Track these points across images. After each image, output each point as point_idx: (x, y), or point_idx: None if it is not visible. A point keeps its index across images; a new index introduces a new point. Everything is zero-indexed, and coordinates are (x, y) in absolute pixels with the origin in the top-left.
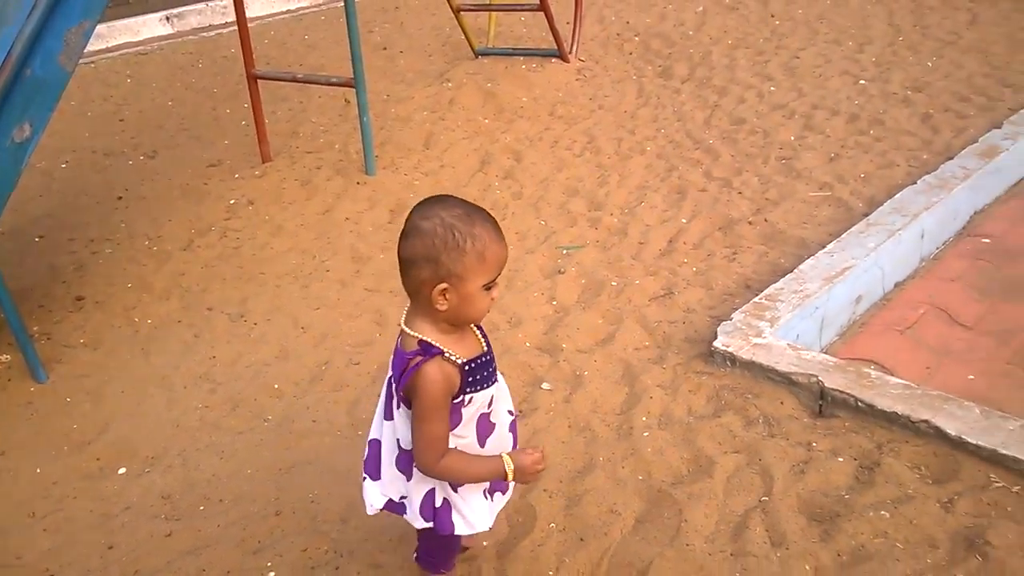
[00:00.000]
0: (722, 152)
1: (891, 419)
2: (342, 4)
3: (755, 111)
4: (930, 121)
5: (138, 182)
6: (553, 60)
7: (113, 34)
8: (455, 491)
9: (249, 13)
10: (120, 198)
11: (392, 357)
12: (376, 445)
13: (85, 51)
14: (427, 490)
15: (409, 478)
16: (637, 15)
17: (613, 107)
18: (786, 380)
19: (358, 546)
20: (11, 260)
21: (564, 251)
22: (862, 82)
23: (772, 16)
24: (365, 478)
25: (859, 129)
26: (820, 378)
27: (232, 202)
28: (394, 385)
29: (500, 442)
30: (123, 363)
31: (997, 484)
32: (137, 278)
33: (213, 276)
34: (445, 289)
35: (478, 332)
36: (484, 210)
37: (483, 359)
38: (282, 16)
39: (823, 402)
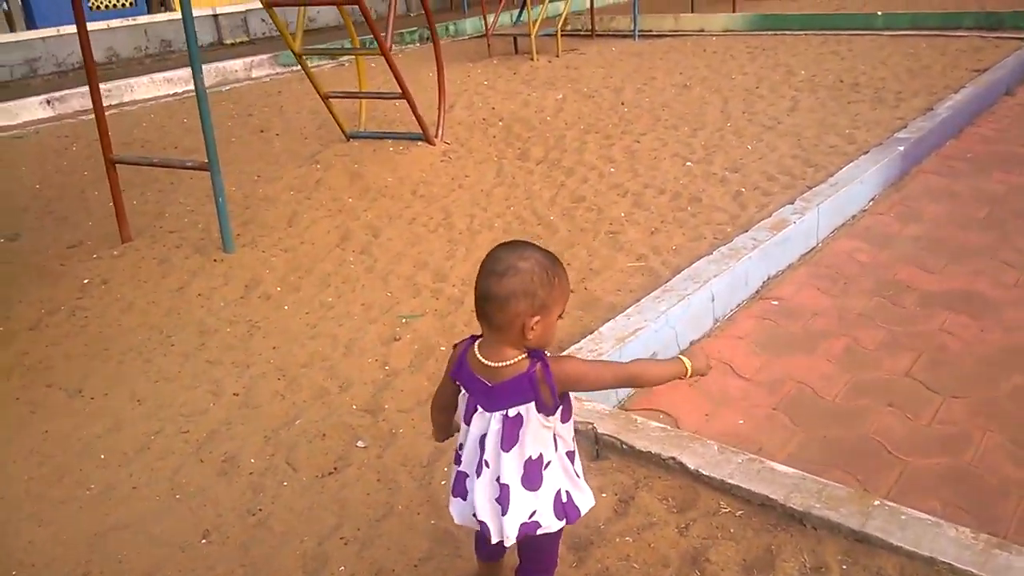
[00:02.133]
0: (560, 227)
1: (648, 458)
2: (224, 88)
3: (595, 190)
4: (740, 198)
5: None
6: (419, 143)
7: None
8: (574, 479)
9: (134, 96)
10: None
11: (486, 398)
12: (503, 488)
13: None
14: (555, 492)
15: (538, 488)
16: (503, 102)
17: (471, 186)
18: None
19: None
20: None
21: (403, 320)
22: (688, 164)
23: (622, 104)
24: (496, 512)
25: (679, 206)
26: (595, 425)
27: (86, 281)
28: (528, 405)
29: None
30: None
31: (724, 510)
32: None
33: (57, 354)
34: (538, 320)
35: None
36: (550, 252)
37: None
38: (166, 99)
39: (598, 446)
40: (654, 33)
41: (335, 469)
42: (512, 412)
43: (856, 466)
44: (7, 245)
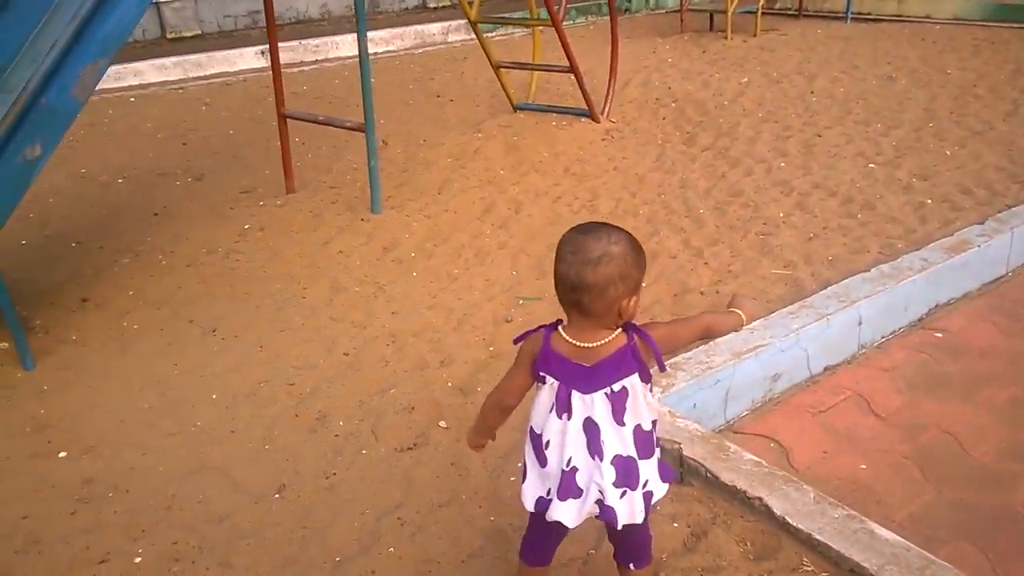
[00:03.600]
0: (708, 222)
1: (732, 493)
2: (418, 51)
3: (757, 185)
4: (922, 210)
5: (177, 201)
6: (583, 120)
7: (212, 63)
8: (657, 447)
9: (339, 52)
10: (156, 215)
11: (584, 381)
12: (626, 461)
13: (183, 77)
14: (657, 458)
15: (651, 456)
16: (681, 82)
17: (627, 168)
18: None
19: (220, 545)
20: (46, 261)
21: (521, 301)
22: (871, 166)
23: (812, 93)
24: (625, 492)
25: (848, 212)
26: (682, 447)
27: (246, 227)
28: (631, 377)
29: None
30: (101, 361)
31: (807, 567)
32: (140, 287)
33: (205, 292)
34: (634, 299)
35: None
36: (622, 227)
37: None
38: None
39: (682, 469)
40: (871, 16)
41: (414, 445)
42: (616, 387)
43: (989, 541)
44: (192, 184)
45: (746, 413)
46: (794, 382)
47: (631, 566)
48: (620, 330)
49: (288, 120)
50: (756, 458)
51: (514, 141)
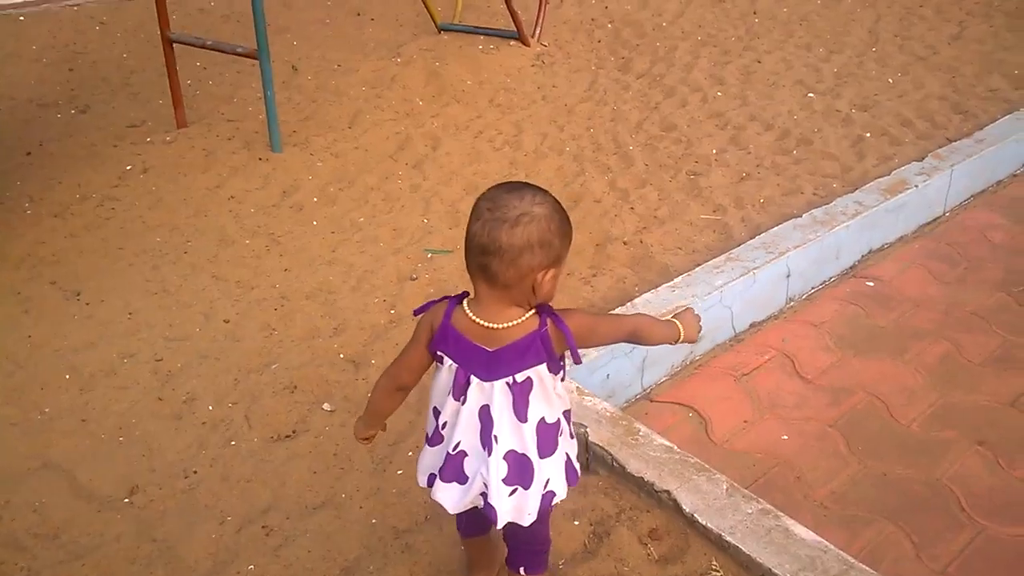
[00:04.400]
0: (637, 160)
1: (639, 484)
2: None
3: (691, 117)
4: (860, 145)
5: (55, 138)
6: (513, 43)
7: None
8: (571, 439)
9: None
10: (29, 154)
11: (485, 366)
12: (520, 458)
13: None
14: (564, 457)
15: (552, 453)
16: (618, 1)
17: (556, 99)
18: None
19: (50, 568)
20: None
21: (429, 254)
22: (811, 95)
23: (755, 13)
24: (516, 490)
25: (784, 147)
26: (588, 430)
27: (128, 168)
28: (537, 365)
29: None
30: None
31: (715, 572)
32: None
33: (72, 247)
34: (552, 274)
35: None
36: None
37: None
38: None
39: (588, 455)
40: None
41: (292, 433)
42: (520, 377)
43: (915, 522)
44: (75, 117)
45: (664, 379)
46: (716, 342)
47: (521, 571)
48: (533, 312)
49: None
50: (667, 443)
51: (436, 67)
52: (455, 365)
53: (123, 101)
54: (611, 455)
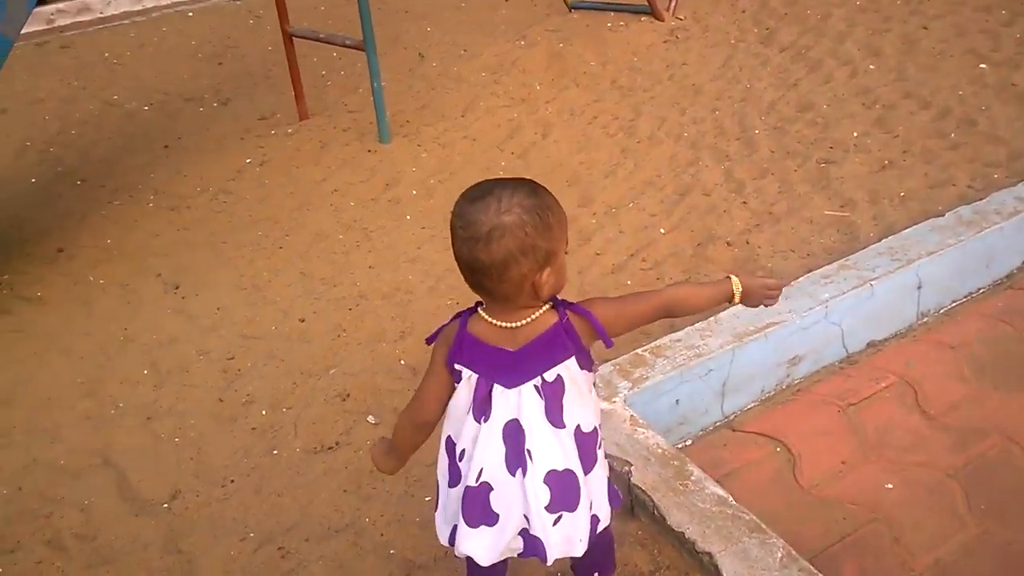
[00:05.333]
0: (761, 146)
1: (680, 540)
2: None
3: (833, 95)
4: None
5: (193, 131)
6: (644, 18)
7: None
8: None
9: None
10: (166, 147)
11: (508, 370)
12: (563, 476)
13: None
14: (604, 472)
15: (592, 469)
16: None
17: (683, 78)
18: None
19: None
20: (43, 203)
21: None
22: (983, 66)
23: None
24: (561, 516)
25: (939, 130)
26: (633, 468)
27: (248, 161)
28: (564, 364)
29: None
30: (55, 324)
31: None
32: (120, 234)
33: (181, 240)
34: (548, 272)
35: None
36: (527, 180)
37: None
38: None
39: (631, 497)
40: None
41: (335, 445)
42: (551, 375)
43: None
44: (216, 110)
45: (753, 405)
46: (822, 364)
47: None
48: (549, 306)
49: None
50: (721, 492)
51: (559, 49)
52: (475, 377)
53: (261, 94)
54: (653, 502)
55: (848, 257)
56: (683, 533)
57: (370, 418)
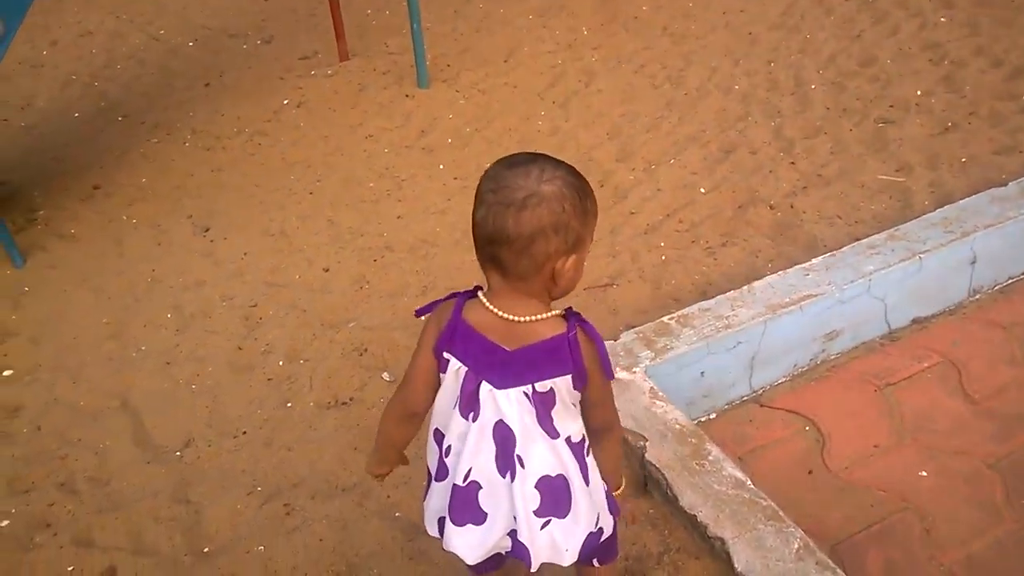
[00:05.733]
0: (816, 103)
1: (692, 523)
2: None
3: (898, 49)
4: None
5: (234, 69)
6: None
7: None
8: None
9: None
10: (207, 85)
11: (500, 369)
12: (555, 482)
13: None
14: (600, 480)
15: (589, 477)
16: None
17: (740, 26)
18: None
19: (88, 516)
20: (85, 139)
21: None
22: None
23: None
24: (550, 521)
25: (1011, 91)
26: (647, 443)
27: (285, 102)
28: (558, 382)
29: None
30: (88, 262)
31: None
32: (155, 173)
33: (214, 182)
34: (573, 260)
35: None
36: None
37: None
38: None
39: (644, 473)
40: None
41: (349, 401)
42: (542, 387)
43: None
44: (258, 48)
45: (783, 380)
46: (861, 340)
47: (595, 562)
48: (558, 312)
49: None
50: (740, 475)
51: None
52: (463, 369)
53: (304, 32)
54: (666, 480)
55: (898, 227)
56: (695, 516)
57: (385, 375)
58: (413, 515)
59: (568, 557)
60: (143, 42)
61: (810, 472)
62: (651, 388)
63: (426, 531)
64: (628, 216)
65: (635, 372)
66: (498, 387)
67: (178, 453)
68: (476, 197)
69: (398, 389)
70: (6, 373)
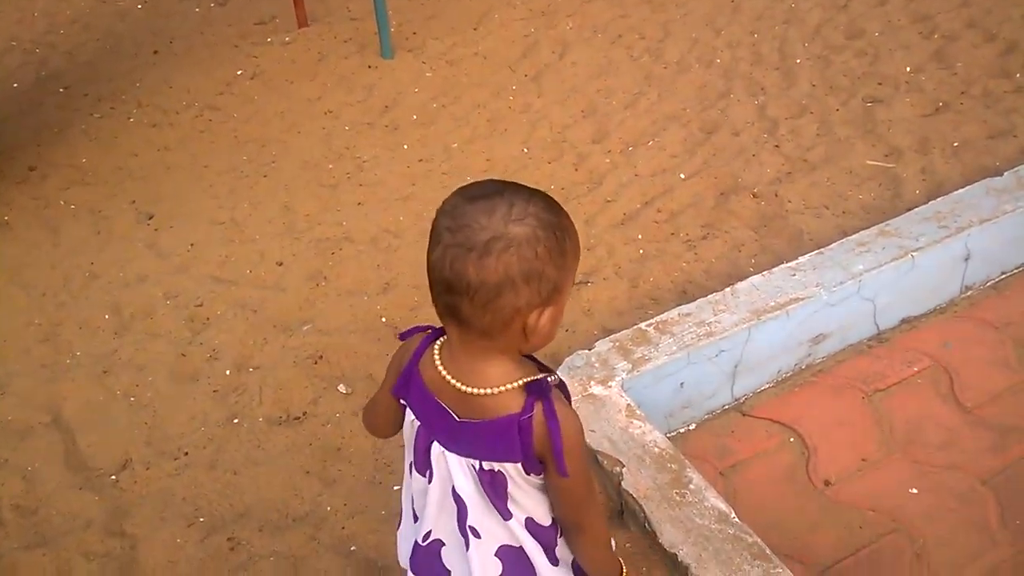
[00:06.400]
0: (801, 79)
1: (673, 562)
2: None
3: (887, 20)
4: None
5: (185, 35)
6: None
7: None
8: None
9: None
10: (156, 52)
11: (448, 435)
12: (518, 553)
13: None
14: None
15: (558, 564)
16: None
17: None
18: (593, 458)
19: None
20: (22, 112)
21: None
22: None
23: None
24: None
25: (1005, 68)
26: (625, 470)
27: (239, 73)
28: (505, 469)
29: None
30: (19, 253)
31: None
32: (96, 153)
33: (160, 163)
34: (548, 312)
35: None
36: (542, 192)
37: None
38: None
39: (621, 500)
40: None
41: (302, 416)
42: (489, 466)
43: None
44: (212, 12)
45: (767, 386)
46: (848, 343)
47: None
48: (519, 383)
49: None
50: (723, 507)
51: None
52: (417, 423)
53: None
54: (644, 513)
55: (889, 222)
56: (676, 555)
57: (341, 387)
58: (369, 549)
59: None
60: (89, 4)
61: (795, 489)
62: (628, 405)
63: (398, 563)
64: (604, 204)
65: (611, 387)
66: (449, 450)
67: (113, 477)
68: (432, 232)
69: (365, 408)
70: None
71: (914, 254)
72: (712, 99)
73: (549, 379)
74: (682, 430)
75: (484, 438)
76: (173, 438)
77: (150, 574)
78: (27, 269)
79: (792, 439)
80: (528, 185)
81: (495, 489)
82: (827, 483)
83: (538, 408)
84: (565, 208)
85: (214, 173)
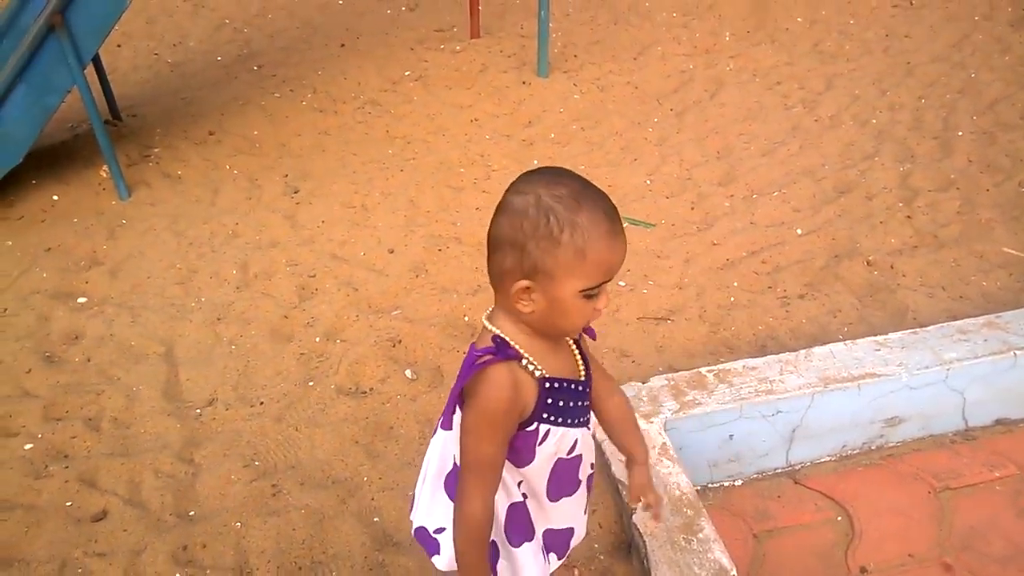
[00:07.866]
0: (958, 152)
1: None
2: None
3: None
4: None
5: (372, 33)
6: None
7: None
8: (512, 543)
9: None
10: (343, 46)
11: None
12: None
13: None
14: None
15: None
16: None
17: (900, 53)
18: (614, 487)
19: (96, 458)
20: (218, 83)
21: (626, 223)
22: None
23: None
24: (412, 495)
25: None
26: (639, 505)
27: (406, 74)
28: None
29: (576, 505)
30: (184, 204)
31: None
32: (266, 128)
33: (316, 145)
34: (528, 288)
35: (577, 353)
36: (604, 196)
37: (575, 386)
38: None
39: (630, 538)
40: None
41: (369, 390)
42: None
43: None
44: (402, 14)
45: (828, 459)
46: (929, 432)
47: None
48: (497, 332)
49: None
50: (726, 562)
51: None
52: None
53: (447, 4)
54: (646, 551)
55: (1001, 314)
56: None
57: (408, 372)
58: (389, 524)
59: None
60: None
61: (826, 568)
62: (663, 444)
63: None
64: (709, 247)
65: (652, 422)
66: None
67: (198, 411)
68: None
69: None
70: (80, 300)
71: (1018, 352)
72: (855, 159)
73: (524, 360)
74: (726, 483)
75: (466, 359)
76: (256, 387)
77: (201, 500)
78: (184, 220)
79: (840, 518)
80: (587, 181)
81: (452, 400)
82: (863, 570)
83: (488, 359)
84: (668, 243)
85: (360, 162)
